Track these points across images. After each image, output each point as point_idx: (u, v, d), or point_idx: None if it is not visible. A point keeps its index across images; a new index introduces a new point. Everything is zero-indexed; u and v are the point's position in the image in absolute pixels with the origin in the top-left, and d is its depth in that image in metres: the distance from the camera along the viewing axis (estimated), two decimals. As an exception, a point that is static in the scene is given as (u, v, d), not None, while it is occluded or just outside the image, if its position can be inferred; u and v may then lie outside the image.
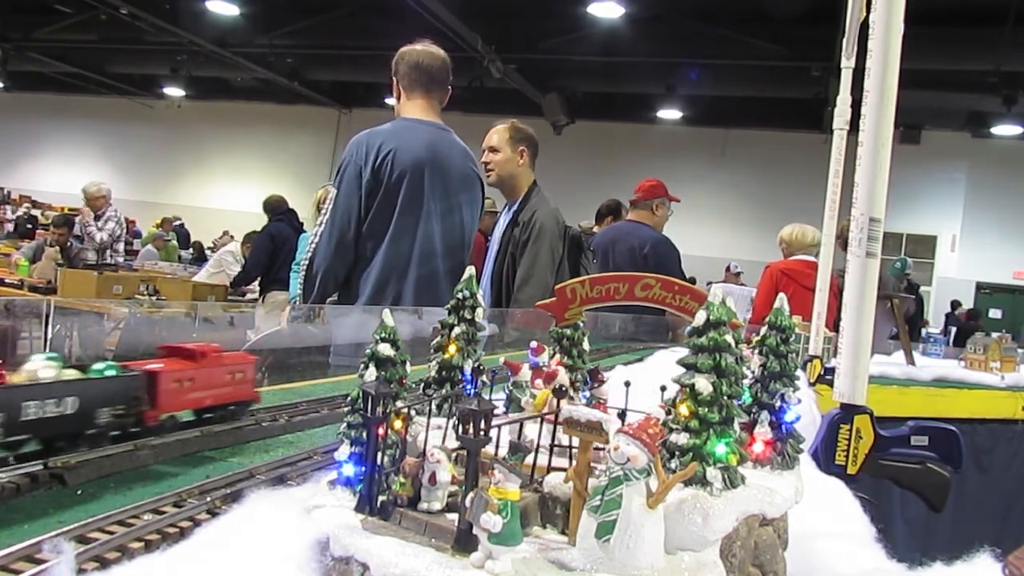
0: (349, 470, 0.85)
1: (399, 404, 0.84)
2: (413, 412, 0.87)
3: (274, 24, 13.57)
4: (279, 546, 0.79)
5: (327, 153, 20.32)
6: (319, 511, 0.81)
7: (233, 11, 12.93)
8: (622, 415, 0.77)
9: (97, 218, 8.47)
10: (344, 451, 0.86)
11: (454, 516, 0.77)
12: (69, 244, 8.42)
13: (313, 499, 0.85)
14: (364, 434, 0.83)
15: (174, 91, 20.28)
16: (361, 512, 0.79)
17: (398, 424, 0.83)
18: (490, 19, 12.34)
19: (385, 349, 0.87)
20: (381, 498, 0.81)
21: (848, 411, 0.73)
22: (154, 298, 6.47)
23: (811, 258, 5.59)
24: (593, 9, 11.34)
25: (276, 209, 7.94)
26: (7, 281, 6.42)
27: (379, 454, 0.81)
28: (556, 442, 0.90)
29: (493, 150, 3.89)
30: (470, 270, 1.13)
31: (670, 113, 17.30)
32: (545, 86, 16.04)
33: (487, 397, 0.83)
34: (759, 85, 14.05)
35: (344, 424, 0.88)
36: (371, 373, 0.86)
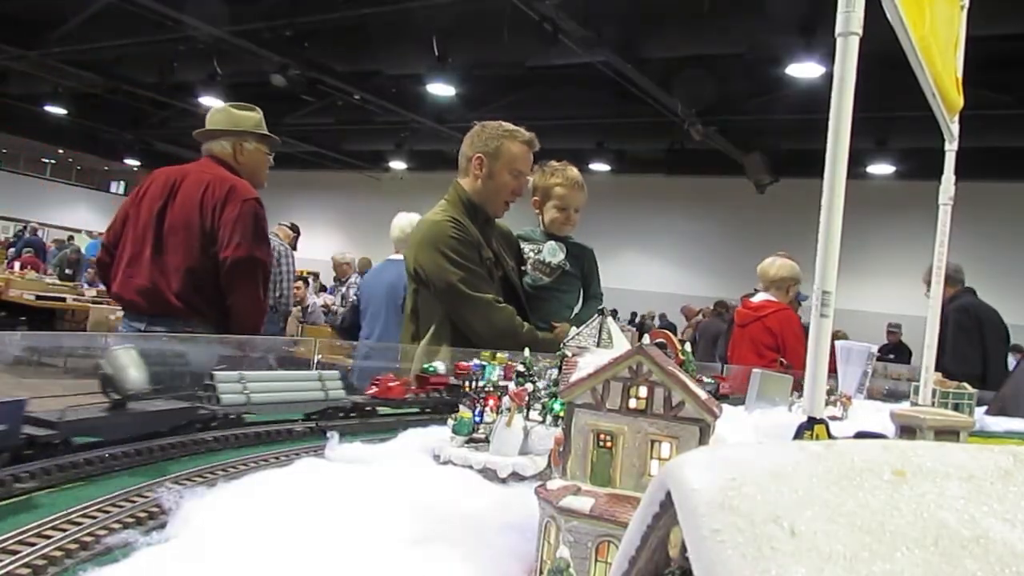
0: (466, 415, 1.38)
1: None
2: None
3: (485, 100, 14.73)
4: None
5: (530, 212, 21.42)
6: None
7: (450, 92, 14.21)
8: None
9: (342, 283, 9.65)
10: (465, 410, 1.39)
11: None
12: (309, 305, 9.58)
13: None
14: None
15: (398, 164, 22.36)
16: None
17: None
18: (689, 84, 12.59)
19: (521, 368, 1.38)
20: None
21: (811, 420, 0.95)
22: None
23: (769, 296, 5.48)
24: (792, 71, 11.22)
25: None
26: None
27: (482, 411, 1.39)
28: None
29: None
30: None
31: (881, 168, 16.43)
32: (746, 146, 15.94)
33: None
34: (987, 135, 13.04)
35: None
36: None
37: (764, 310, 5.37)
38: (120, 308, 3.85)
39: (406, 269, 3.31)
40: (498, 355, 1.93)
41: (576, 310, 3.64)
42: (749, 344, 5.34)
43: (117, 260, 3.67)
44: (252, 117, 3.96)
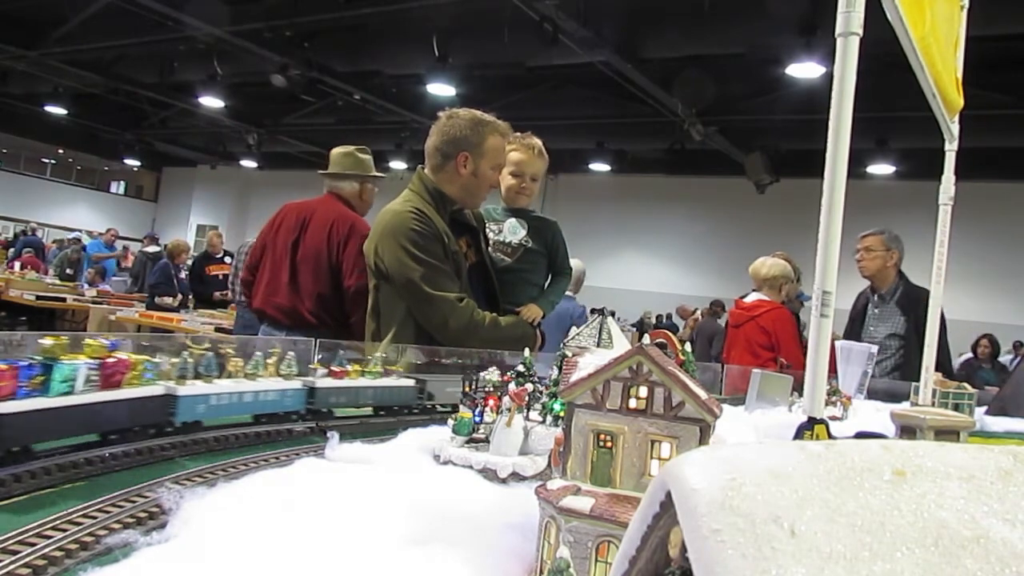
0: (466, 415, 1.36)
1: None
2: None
3: (485, 100, 14.73)
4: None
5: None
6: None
7: (450, 92, 14.18)
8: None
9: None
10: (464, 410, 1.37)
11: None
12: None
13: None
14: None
15: (398, 164, 22.33)
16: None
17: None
18: (689, 84, 12.58)
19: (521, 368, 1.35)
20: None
21: (811, 421, 0.95)
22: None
23: (762, 296, 5.47)
24: (792, 71, 11.21)
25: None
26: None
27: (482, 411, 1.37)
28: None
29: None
30: None
31: (882, 168, 16.42)
32: (746, 146, 15.92)
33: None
34: (987, 135, 13.02)
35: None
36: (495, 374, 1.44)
37: (758, 309, 5.38)
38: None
39: (366, 263, 3.15)
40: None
41: (546, 288, 3.49)
42: (744, 344, 5.36)
43: (257, 281, 4.35)
44: (370, 160, 4.48)
